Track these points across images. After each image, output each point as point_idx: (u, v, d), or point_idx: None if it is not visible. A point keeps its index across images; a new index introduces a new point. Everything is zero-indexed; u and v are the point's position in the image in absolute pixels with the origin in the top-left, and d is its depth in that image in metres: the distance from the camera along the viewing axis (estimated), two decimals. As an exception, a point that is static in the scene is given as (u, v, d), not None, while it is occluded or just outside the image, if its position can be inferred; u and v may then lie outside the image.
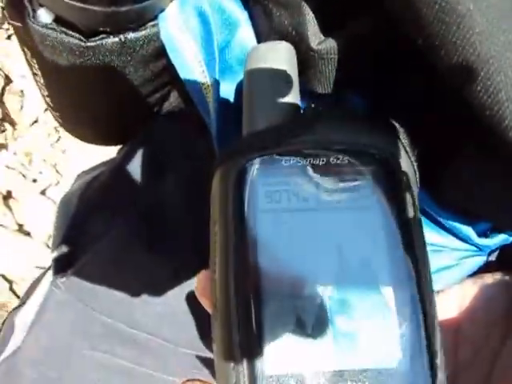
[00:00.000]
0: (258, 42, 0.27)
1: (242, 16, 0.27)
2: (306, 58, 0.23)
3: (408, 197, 0.18)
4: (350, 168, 0.18)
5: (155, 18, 0.26)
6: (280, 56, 0.21)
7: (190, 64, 0.26)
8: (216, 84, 0.26)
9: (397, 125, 0.19)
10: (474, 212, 0.24)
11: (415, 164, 0.19)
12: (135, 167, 0.34)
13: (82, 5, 0.23)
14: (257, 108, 0.21)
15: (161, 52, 0.27)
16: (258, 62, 0.21)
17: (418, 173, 0.19)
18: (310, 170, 0.18)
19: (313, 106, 0.20)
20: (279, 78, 0.21)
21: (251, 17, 0.27)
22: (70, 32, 0.25)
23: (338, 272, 0.17)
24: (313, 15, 0.22)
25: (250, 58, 0.22)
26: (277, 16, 0.23)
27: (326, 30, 0.22)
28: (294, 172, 0.18)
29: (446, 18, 0.16)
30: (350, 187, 0.18)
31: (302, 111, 0.21)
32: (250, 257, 0.16)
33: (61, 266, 0.33)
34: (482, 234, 0.26)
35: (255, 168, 0.18)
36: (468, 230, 0.25)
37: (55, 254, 0.33)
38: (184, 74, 0.26)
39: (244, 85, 0.22)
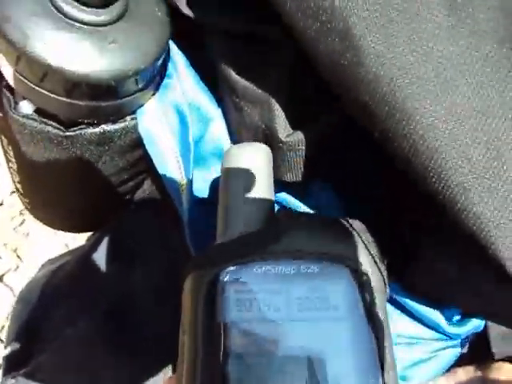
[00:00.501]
0: (231, 136, 0.28)
1: (215, 112, 0.28)
2: (276, 150, 0.24)
3: (377, 305, 0.18)
4: (320, 277, 0.18)
5: (134, 111, 0.27)
6: (256, 158, 0.22)
7: (166, 157, 0.27)
8: (190, 182, 0.27)
9: (365, 234, 0.20)
10: (440, 297, 0.24)
11: (384, 272, 0.20)
12: (104, 256, 0.34)
13: (66, 99, 0.24)
14: (232, 210, 0.21)
15: (138, 143, 0.28)
16: (235, 164, 0.22)
17: (386, 280, 0.20)
18: (281, 278, 0.18)
19: (284, 212, 0.21)
20: (255, 181, 0.22)
21: (224, 112, 0.29)
22: (50, 122, 0.26)
23: None
24: (281, 110, 0.24)
25: (226, 159, 0.23)
26: (247, 112, 0.25)
27: (296, 123, 0.24)
28: (265, 280, 0.18)
29: (397, 115, 0.17)
30: (320, 296, 0.18)
31: (274, 217, 0.22)
32: (219, 369, 0.16)
33: (13, 364, 0.30)
34: (453, 321, 0.26)
35: (227, 275, 0.18)
36: (437, 318, 0.25)
37: (8, 350, 0.31)
38: (160, 166, 0.27)
39: (220, 184, 0.23)
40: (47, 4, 0.22)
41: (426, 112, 0.17)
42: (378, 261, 0.19)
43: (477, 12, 0.17)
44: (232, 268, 0.18)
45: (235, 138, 0.28)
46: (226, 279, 0.18)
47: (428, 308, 0.25)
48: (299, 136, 0.24)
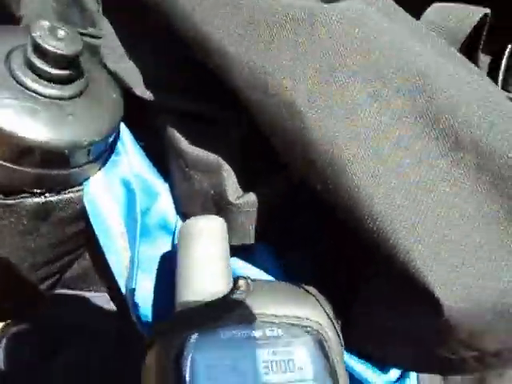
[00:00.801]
0: (177, 207, 0.29)
1: (161, 187, 0.30)
2: (226, 214, 0.25)
3: (338, 363, 0.20)
4: (285, 340, 0.20)
5: (81, 183, 0.27)
6: (212, 229, 0.24)
7: (111, 228, 0.27)
8: (134, 255, 0.27)
9: (320, 296, 0.22)
10: (375, 349, 0.25)
11: (339, 330, 0.21)
12: (23, 347, 0.31)
13: (13, 166, 0.23)
14: (191, 279, 0.22)
15: (79, 216, 0.28)
16: (193, 235, 0.23)
17: (341, 337, 0.21)
18: (247, 343, 0.19)
19: (242, 278, 0.22)
20: (212, 250, 0.23)
21: (170, 185, 0.30)
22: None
23: None
24: (231, 176, 0.25)
25: (184, 230, 0.23)
26: (196, 180, 0.26)
27: (246, 188, 0.25)
28: (231, 345, 0.19)
29: (335, 167, 0.19)
30: (286, 359, 0.19)
31: (235, 284, 0.22)
32: None
33: None
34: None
35: (194, 343, 0.18)
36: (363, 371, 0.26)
37: None
38: (103, 238, 0.27)
39: (178, 254, 0.23)
40: (7, 76, 0.23)
41: (360, 166, 0.19)
42: (333, 320, 0.21)
43: None
44: (198, 335, 0.19)
45: (182, 210, 0.29)
46: (193, 347, 0.18)
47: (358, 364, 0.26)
48: (250, 198, 0.25)
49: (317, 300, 0.21)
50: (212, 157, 0.26)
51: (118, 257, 0.27)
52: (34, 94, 0.23)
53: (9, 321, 0.34)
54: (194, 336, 0.19)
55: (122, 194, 0.28)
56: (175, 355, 0.18)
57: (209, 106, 0.26)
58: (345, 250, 0.25)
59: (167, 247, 0.29)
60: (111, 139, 0.27)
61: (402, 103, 0.19)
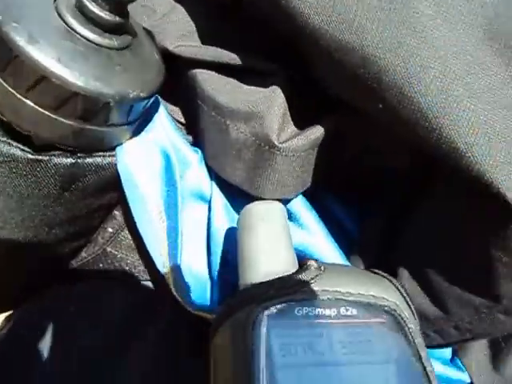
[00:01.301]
0: (211, 161, 0.27)
1: (192, 155, 0.27)
2: (269, 160, 0.23)
3: (420, 346, 0.19)
4: (361, 320, 0.19)
5: (113, 148, 0.25)
6: (275, 212, 0.23)
7: (146, 198, 0.25)
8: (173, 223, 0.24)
9: (394, 280, 0.21)
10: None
11: (416, 314, 0.20)
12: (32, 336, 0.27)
13: (50, 114, 0.21)
14: (257, 264, 0.21)
15: (108, 185, 0.26)
16: (257, 220, 0.22)
17: (419, 323, 0.20)
18: (322, 321, 0.18)
19: (314, 261, 0.21)
20: (276, 235, 0.22)
21: (201, 144, 0.28)
22: (17, 143, 0.22)
23: None
24: (276, 119, 0.23)
25: (247, 215, 0.23)
26: (234, 129, 0.24)
27: (293, 131, 0.24)
28: (306, 323, 0.18)
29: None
30: (363, 340, 0.18)
31: (304, 263, 0.21)
32: None
33: None
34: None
35: (268, 318, 0.18)
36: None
37: None
38: (136, 209, 0.25)
39: (241, 240, 0.22)
40: (57, 19, 0.21)
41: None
42: (409, 302, 0.20)
43: None
44: (273, 311, 0.18)
45: (216, 165, 0.26)
46: (267, 322, 0.17)
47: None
48: (298, 142, 0.23)
49: (390, 281, 0.21)
50: (253, 104, 0.24)
51: (151, 226, 0.24)
52: (84, 40, 0.21)
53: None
54: (268, 312, 0.18)
55: (159, 162, 0.26)
56: (250, 331, 0.17)
57: (250, 59, 0.25)
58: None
59: (204, 217, 0.27)
60: (152, 101, 0.25)
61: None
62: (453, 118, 0.17)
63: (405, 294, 0.20)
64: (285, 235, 0.22)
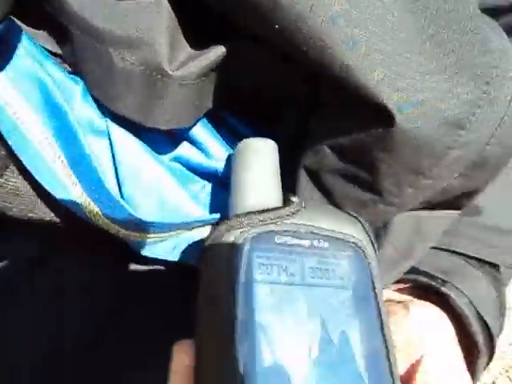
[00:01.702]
0: (98, 92, 0.23)
1: (74, 88, 0.24)
2: (161, 89, 0.22)
3: (377, 281, 0.21)
4: (330, 252, 0.21)
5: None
6: (268, 150, 0.25)
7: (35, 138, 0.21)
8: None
9: (362, 220, 0.23)
10: None
11: (377, 252, 0.23)
12: None
13: None
14: (248, 196, 0.23)
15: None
16: (251, 154, 0.24)
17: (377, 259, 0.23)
18: (297, 250, 0.21)
19: (296, 198, 0.23)
20: (268, 170, 0.24)
21: (82, 76, 0.24)
22: None
23: (321, 344, 0.19)
24: (166, 46, 0.21)
25: (242, 149, 0.24)
26: (117, 57, 0.21)
27: (184, 57, 0.22)
28: (283, 249, 0.21)
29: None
30: (329, 268, 0.21)
31: (289, 198, 0.23)
32: (251, 319, 0.18)
33: None
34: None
35: (251, 240, 0.20)
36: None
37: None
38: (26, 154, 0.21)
39: (235, 173, 0.24)
40: None
41: None
42: (374, 243, 0.23)
43: None
44: (256, 236, 0.20)
45: (101, 96, 0.23)
46: (249, 243, 0.20)
47: None
48: (191, 69, 0.22)
49: (360, 222, 0.23)
50: (138, 29, 0.21)
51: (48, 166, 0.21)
52: None
53: None
54: (251, 233, 0.20)
55: (36, 97, 0.22)
56: (234, 251, 0.20)
57: None
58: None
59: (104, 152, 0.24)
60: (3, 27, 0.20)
61: None
62: (341, 39, 0.19)
63: (370, 234, 0.23)
64: (275, 173, 0.24)
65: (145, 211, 0.24)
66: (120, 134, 0.24)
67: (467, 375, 0.27)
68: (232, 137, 0.28)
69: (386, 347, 0.20)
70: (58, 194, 0.23)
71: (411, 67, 0.20)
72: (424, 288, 0.32)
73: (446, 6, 0.20)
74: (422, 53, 0.20)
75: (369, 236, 0.23)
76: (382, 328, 0.20)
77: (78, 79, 0.24)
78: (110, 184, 0.23)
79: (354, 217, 0.23)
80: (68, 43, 0.23)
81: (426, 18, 0.20)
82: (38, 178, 0.22)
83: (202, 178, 0.28)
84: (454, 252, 0.34)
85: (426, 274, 0.33)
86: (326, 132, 0.24)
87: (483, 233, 0.34)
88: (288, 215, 0.22)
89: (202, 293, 0.20)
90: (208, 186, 0.28)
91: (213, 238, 0.21)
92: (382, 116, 0.20)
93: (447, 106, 0.20)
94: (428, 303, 0.31)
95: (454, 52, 0.20)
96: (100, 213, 0.23)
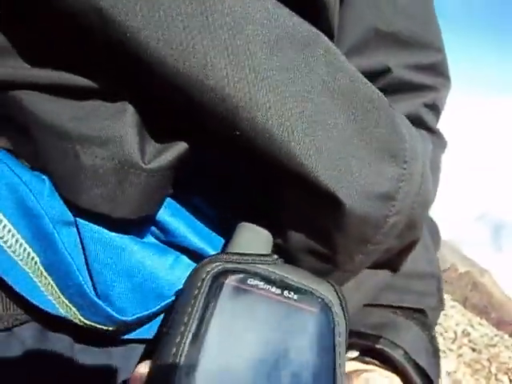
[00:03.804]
0: (64, 189, 0.24)
1: (41, 186, 0.24)
2: (132, 181, 0.23)
3: (340, 344, 0.22)
4: (297, 304, 0.22)
5: None
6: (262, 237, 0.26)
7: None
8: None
9: (336, 285, 0.24)
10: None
11: (348, 317, 0.24)
12: None
13: None
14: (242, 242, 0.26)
15: None
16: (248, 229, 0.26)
17: (348, 324, 0.24)
18: (266, 295, 0.21)
19: (276, 255, 0.25)
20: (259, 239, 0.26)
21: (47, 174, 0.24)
22: None
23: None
24: (136, 140, 0.23)
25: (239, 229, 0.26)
26: (87, 154, 0.22)
27: (154, 150, 0.24)
28: (254, 291, 0.21)
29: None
30: (293, 321, 0.21)
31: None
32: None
33: None
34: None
35: (223, 275, 0.21)
36: None
37: None
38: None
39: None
40: None
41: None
42: (345, 309, 0.23)
43: None
44: (232, 274, 0.22)
45: (69, 193, 0.24)
46: (225, 280, 0.21)
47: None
48: (162, 161, 0.23)
49: (332, 286, 0.24)
50: (106, 127, 0.22)
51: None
52: None
53: None
54: (225, 267, 0.22)
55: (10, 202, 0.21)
56: (208, 279, 0.21)
57: (92, 79, 0.23)
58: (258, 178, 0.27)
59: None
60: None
61: None
62: (293, 141, 0.22)
63: (341, 295, 0.24)
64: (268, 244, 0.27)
65: (123, 306, 0.24)
66: (88, 224, 0.24)
67: None
68: (195, 216, 0.29)
69: None
70: (31, 295, 0.22)
71: (347, 155, 0.24)
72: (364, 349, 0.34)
73: (368, 106, 0.25)
74: (353, 142, 0.24)
75: (339, 298, 0.24)
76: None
77: (44, 177, 0.24)
78: (88, 284, 0.23)
79: (328, 281, 0.25)
80: (30, 143, 0.23)
81: (353, 114, 0.25)
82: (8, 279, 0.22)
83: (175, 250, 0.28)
84: (381, 306, 0.37)
85: (358, 334, 0.35)
86: (289, 219, 0.26)
87: (403, 280, 0.37)
88: (263, 261, 0.23)
89: (164, 318, 0.21)
90: (182, 258, 0.28)
91: (192, 270, 0.22)
92: (332, 203, 0.23)
93: (380, 184, 0.25)
94: (372, 367, 0.33)
95: (377, 140, 0.25)
96: (77, 313, 0.23)
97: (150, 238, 0.28)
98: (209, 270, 0.21)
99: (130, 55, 0.21)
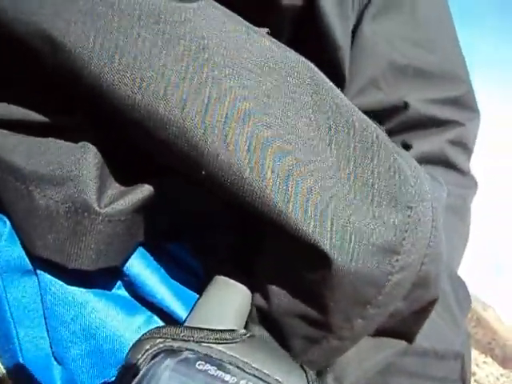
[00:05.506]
0: (19, 232, 0.22)
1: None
2: (86, 227, 0.20)
3: None
4: None
5: None
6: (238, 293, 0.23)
7: None
8: None
9: (310, 372, 0.21)
10: None
11: None
12: None
13: None
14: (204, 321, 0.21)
15: None
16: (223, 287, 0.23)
17: None
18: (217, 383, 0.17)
19: (243, 330, 0.21)
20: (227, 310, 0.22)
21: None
22: None
23: None
24: (93, 182, 0.20)
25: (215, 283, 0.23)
26: (40, 196, 0.20)
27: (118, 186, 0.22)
28: (202, 379, 0.17)
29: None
30: None
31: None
32: None
33: None
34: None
35: (164, 356, 0.18)
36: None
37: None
38: None
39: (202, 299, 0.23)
40: None
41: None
42: None
43: None
44: (173, 349, 0.18)
45: (22, 236, 0.22)
46: (168, 363, 0.17)
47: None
48: (120, 206, 0.21)
49: (305, 372, 0.20)
50: (62, 166, 0.21)
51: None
52: None
53: None
54: (168, 346, 0.18)
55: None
56: (145, 360, 0.18)
57: (47, 114, 0.21)
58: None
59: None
60: None
61: None
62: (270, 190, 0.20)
63: (310, 380, 0.20)
64: (238, 312, 0.22)
65: (77, 372, 0.22)
66: (44, 275, 0.22)
67: None
68: (174, 268, 0.26)
69: None
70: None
71: (340, 204, 0.20)
72: None
73: (365, 145, 0.22)
74: (347, 188, 0.21)
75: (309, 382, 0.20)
76: None
77: (5, 218, 0.22)
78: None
79: (302, 367, 0.21)
80: None
81: (347, 156, 0.21)
82: None
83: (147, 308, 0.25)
84: None
85: None
86: (271, 273, 0.23)
87: (417, 360, 0.31)
88: (221, 340, 0.19)
89: None
90: (155, 319, 0.25)
91: (132, 345, 0.19)
92: (318, 256, 0.20)
93: (377, 234, 0.21)
94: None
95: (375, 184, 0.21)
96: None
97: (122, 291, 0.25)
98: (148, 347, 0.18)
99: (85, 87, 0.19)
